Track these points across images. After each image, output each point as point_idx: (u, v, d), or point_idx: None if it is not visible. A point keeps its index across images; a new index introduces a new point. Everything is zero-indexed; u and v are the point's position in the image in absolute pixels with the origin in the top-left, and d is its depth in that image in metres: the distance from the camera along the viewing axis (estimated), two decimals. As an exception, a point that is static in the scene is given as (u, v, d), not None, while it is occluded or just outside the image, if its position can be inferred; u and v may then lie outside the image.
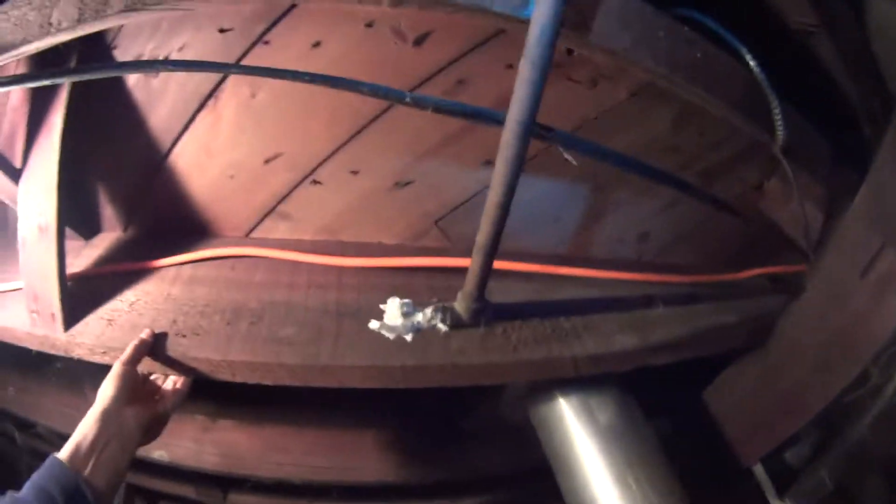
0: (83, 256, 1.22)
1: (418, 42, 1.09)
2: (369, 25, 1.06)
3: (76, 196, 1.20)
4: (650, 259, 1.52)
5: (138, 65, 1.05)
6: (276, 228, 1.29)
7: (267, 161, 1.20)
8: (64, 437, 0.87)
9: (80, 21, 0.83)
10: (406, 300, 0.83)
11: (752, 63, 1.12)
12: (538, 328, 1.18)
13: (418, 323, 0.82)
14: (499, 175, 0.73)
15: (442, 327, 0.81)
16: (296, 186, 1.23)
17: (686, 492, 1.22)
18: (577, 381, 1.29)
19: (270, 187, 1.23)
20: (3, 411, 1.41)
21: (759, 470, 1.50)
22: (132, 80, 1.12)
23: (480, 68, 1.12)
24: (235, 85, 1.12)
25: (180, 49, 1.08)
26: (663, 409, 1.55)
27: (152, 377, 1.06)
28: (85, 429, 0.87)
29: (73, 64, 1.01)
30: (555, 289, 1.30)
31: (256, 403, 1.46)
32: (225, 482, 1.47)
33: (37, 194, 1.05)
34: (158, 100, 1.14)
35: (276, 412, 1.45)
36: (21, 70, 1.02)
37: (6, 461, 1.44)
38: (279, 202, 1.25)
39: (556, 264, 1.29)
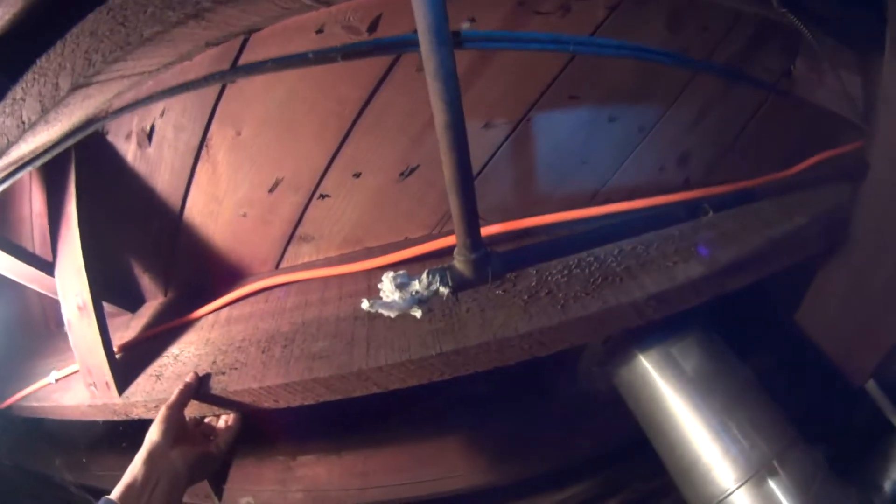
0: (131, 328, 1.23)
1: (372, 29, 1.03)
2: (320, 31, 1.03)
3: (111, 273, 1.24)
4: (699, 180, 1.34)
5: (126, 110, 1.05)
6: (301, 253, 1.25)
7: (271, 190, 1.17)
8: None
9: (43, 112, 0.84)
10: (400, 272, 0.74)
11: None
12: (585, 277, 1.05)
13: (417, 293, 0.73)
14: (435, 93, 0.64)
15: (444, 290, 0.71)
16: (306, 206, 1.19)
17: (796, 429, 1.03)
18: (651, 330, 1.14)
19: (282, 214, 1.20)
20: (85, 486, 1.44)
21: (872, 387, 1.23)
22: (130, 156, 1.15)
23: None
24: (220, 129, 1.11)
25: (162, 115, 1.11)
26: (757, 346, 1.34)
27: (207, 419, 1.05)
28: (134, 470, 0.88)
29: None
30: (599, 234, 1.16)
31: (332, 435, 1.40)
32: None
33: (70, 277, 1.08)
34: (157, 166, 1.16)
35: (352, 439, 1.39)
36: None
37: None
38: (296, 226, 1.21)
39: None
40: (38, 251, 1.22)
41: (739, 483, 1.01)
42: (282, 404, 0.99)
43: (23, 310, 1.43)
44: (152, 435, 0.93)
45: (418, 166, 1.16)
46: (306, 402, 0.98)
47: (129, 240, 1.25)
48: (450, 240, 1.11)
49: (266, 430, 1.30)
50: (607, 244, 1.11)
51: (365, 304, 0.77)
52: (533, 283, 1.06)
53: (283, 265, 1.27)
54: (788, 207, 1.19)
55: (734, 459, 1.02)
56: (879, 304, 1.17)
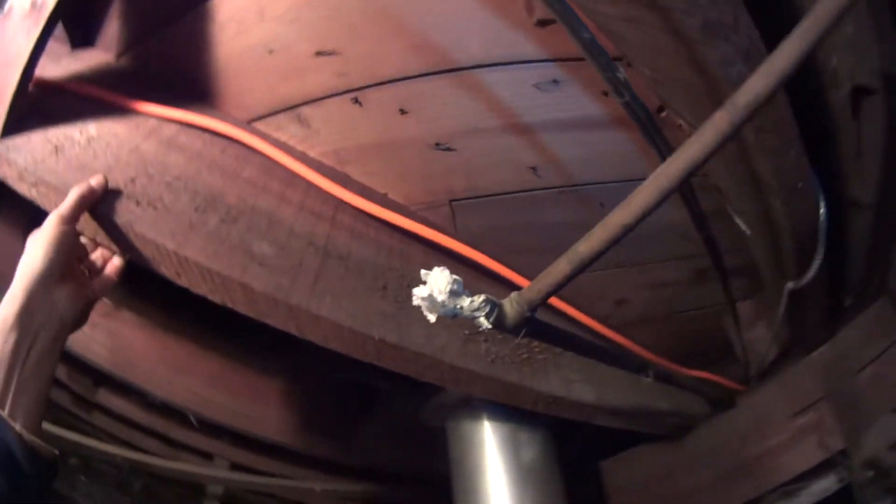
0: (61, 65, 0.92)
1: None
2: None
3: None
4: (615, 324, 1.45)
5: None
6: (285, 129, 1.05)
7: (319, 53, 0.96)
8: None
9: None
10: (456, 277, 0.66)
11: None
12: (516, 349, 1.06)
13: (460, 308, 0.65)
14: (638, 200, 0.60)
15: (484, 323, 0.65)
16: (334, 95, 1.00)
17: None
18: (512, 410, 1.19)
19: (307, 83, 0.99)
20: None
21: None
22: None
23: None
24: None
25: None
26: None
27: (93, 256, 0.79)
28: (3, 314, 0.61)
29: None
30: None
31: (171, 306, 1.19)
32: (103, 377, 1.20)
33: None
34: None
35: (189, 325, 1.20)
36: None
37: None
38: (306, 103, 1.02)
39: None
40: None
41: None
42: (183, 282, 0.78)
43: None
44: (34, 260, 0.64)
45: (455, 150, 1.07)
46: (213, 298, 0.79)
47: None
48: (438, 236, 1.04)
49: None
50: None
51: (421, 291, 0.66)
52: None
53: (257, 124, 1.06)
54: (667, 392, 1.36)
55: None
56: (675, 499, 1.38)
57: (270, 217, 0.91)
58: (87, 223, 0.75)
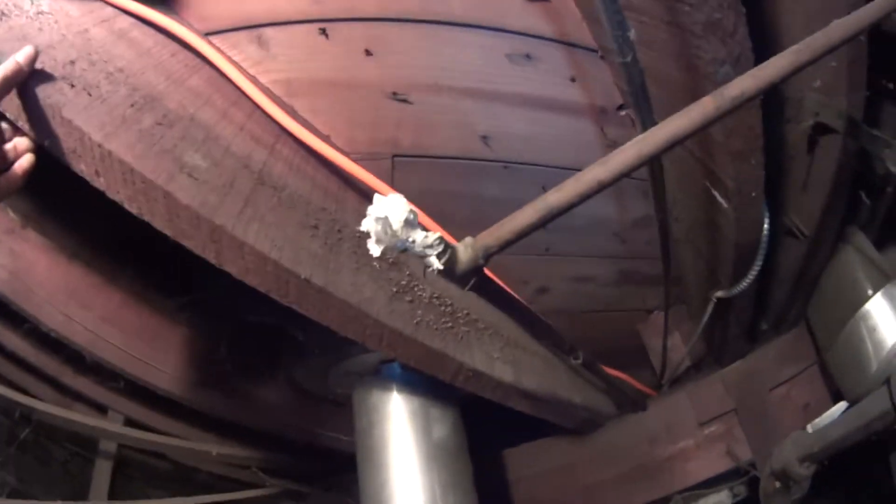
0: None
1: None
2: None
3: None
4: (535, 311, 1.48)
5: None
6: (242, 48, 1.00)
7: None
8: None
9: None
10: (413, 208, 0.62)
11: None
12: (441, 315, 1.05)
13: (412, 241, 0.61)
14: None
15: (434, 264, 0.62)
16: (302, 21, 0.97)
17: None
18: (424, 384, 1.19)
19: (277, 3, 0.96)
20: None
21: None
22: None
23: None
24: None
25: None
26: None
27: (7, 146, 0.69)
28: None
29: None
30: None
31: (79, 231, 1.12)
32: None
33: None
34: None
35: (96, 255, 1.12)
36: None
37: None
38: (271, 24, 0.98)
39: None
40: None
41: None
42: (101, 184, 0.71)
43: None
44: None
45: (411, 104, 1.05)
46: (131, 208, 0.73)
47: None
48: (374, 181, 1.02)
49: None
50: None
51: (376, 210, 0.61)
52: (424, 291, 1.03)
53: (218, 40, 1.00)
54: (580, 386, 1.39)
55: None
56: (576, 494, 1.43)
57: (208, 131, 0.87)
58: (9, 102, 0.68)
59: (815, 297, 1.37)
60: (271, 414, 1.35)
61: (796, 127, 1.12)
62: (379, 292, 0.93)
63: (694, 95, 0.76)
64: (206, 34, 1.00)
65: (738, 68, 0.79)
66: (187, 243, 0.76)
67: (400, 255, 0.65)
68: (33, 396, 1.26)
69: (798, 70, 0.65)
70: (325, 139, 1.10)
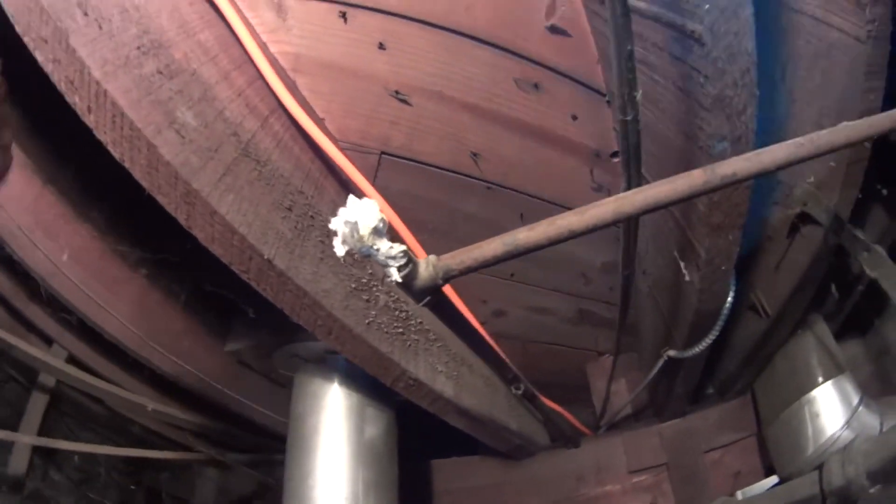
0: None
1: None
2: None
3: None
4: (489, 332, 1.51)
5: None
6: (260, 11, 1.02)
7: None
8: None
9: None
10: (384, 216, 0.65)
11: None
12: (394, 320, 1.08)
13: (377, 249, 0.64)
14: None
15: (393, 275, 0.65)
16: (323, 0, 0.99)
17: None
18: (366, 382, 1.20)
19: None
20: None
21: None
22: None
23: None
24: None
25: None
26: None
27: None
28: None
29: None
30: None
31: (62, 157, 1.11)
32: None
33: None
34: None
35: (77, 187, 1.12)
36: None
37: None
38: (287, -1, 1.00)
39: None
40: None
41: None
42: (91, 121, 0.72)
43: None
44: None
45: (412, 104, 1.08)
46: (114, 151, 0.73)
47: None
48: (355, 173, 1.04)
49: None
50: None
51: (347, 213, 0.63)
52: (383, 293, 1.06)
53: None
54: (518, 413, 1.43)
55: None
56: None
57: (206, 90, 0.88)
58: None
59: (766, 373, 1.43)
60: (211, 380, 1.36)
61: (782, 211, 1.17)
62: (338, 286, 0.96)
63: (687, 162, 0.79)
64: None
65: (737, 147, 0.82)
66: (161, 199, 0.77)
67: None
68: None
69: (795, 163, 0.67)
70: (320, 122, 1.12)
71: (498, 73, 1.06)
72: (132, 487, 1.50)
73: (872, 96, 0.87)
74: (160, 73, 0.81)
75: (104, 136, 0.73)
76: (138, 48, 0.79)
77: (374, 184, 1.16)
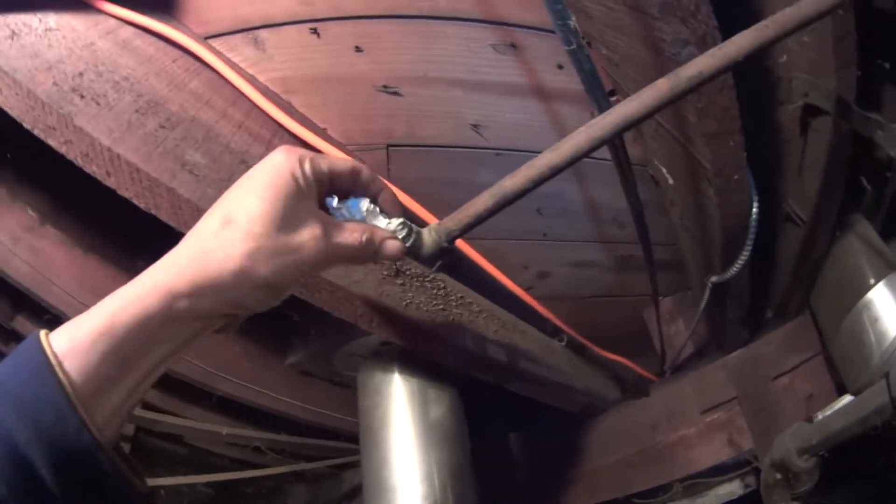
0: None
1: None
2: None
3: None
4: (536, 296, 1.56)
5: None
6: (239, 50, 1.11)
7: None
8: None
9: None
10: (373, 203, 0.73)
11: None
12: (433, 298, 1.14)
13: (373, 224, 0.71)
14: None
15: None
16: (295, 23, 1.07)
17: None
18: (423, 366, 1.28)
19: (270, 6, 1.06)
20: None
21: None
22: None
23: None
24: None
25: None
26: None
27: None
28: None
29: None
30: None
31: (93, 225, 1.23)
32: (21, 299, 1.24)
33: None
34: None
35: (111, 247, 1.25)
36: None
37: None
38: (265, 26, 1.08)
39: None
40: None
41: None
42: (112, 183, 0.83)
43: None
44: None
45: (402, 95, 1.15)
46: (139, 203, 0.85)
47: None
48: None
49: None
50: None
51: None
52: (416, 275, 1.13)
53: (217, 43, 1.11)
54: (581, 369, 1.47)
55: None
56: (577, 478, 1.52)
57: (208, 130, 0.98)
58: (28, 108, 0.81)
59: (819, 285, 1.41)
60: (278, 395, 1.47)
61: (788, 109, 1.16)
62: (369, 276, 1.04)
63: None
64: (207, 38, 1.11)
65: (704, 49, 0.80)
66: (183, 230, 0.87)
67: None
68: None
69: (764, 46, 0.68)
70: (322, 133, 1.20)
71: (473, 44, 1.11)
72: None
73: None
74: (163, 126, 0.92)
75: (126, 192, 0.84)
76: (136, 111, 0.90)
77: (389, 176, 1.25)
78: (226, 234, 0.54)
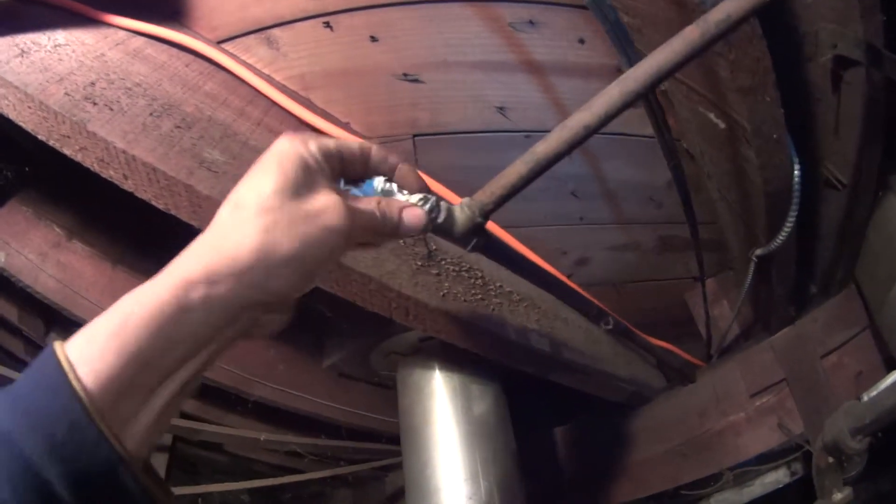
0: None
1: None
2: None
3: None
4: (577, 283, 1.48)
5: None
6: (253, 51, 1.08)
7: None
8: None
9: None
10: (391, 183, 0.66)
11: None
12: (471, 287, 1.08)
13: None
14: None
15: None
16: (306, 18, 1.03)
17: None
18: (465, 361, 1.21)
19: (279, 5, 1.02)
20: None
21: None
22: None
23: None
24: None
25: None
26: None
27: None
28: None
29: None
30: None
31: (124, 238, 1.21)
32: (52, 316, 1.22)
33: None
34: None
35: (138, 259, 1.21)
36: None
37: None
38: (277, 25, 1.04)
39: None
40: None
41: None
42: (130, 186, 0.79)
43: None
44: None
45: (423, 83, 1.09)
46: (158, 204, 0.80)
47: None
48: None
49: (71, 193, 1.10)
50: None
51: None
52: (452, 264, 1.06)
53: (230, 46, 1.08)
54: (625, 357, 1.38)
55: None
56: (625, 470, 1.44)
57: (226, 129, 0.94)
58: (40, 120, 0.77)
59: (863, 254, 1.30)
60: (315, 398, 1.41)
61: (818, 64, 1.08)
62: (402, 266, 0.98)
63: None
64: (219, 42, 1.08)
65: None
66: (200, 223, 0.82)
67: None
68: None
69: None
70: (345, 126, 1.15)
71: (490, 24, 1.06)
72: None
73: None
74: (178, 127, 0.88)
75: (145, 194, 0.80)
76: (151, 114, 0.86)
77: (417, 168, 1.18)
78: (238, 215, 0.49)
